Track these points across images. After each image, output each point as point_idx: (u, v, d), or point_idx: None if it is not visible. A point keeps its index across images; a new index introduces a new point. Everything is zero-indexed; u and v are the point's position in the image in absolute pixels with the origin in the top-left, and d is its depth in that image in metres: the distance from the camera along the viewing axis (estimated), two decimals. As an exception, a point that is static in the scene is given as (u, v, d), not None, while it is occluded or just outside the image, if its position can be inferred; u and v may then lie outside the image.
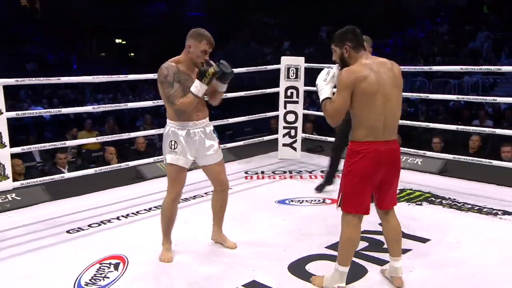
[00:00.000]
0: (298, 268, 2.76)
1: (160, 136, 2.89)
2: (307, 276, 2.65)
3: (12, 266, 2.88)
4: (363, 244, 3.02)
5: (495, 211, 3.70)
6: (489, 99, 5.67)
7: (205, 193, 4.13)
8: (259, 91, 5.47)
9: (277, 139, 5.39)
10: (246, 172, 4.83)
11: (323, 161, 4.85)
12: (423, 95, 5.67)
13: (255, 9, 19.94)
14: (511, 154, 5.19)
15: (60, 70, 17.03)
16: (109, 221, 3.57)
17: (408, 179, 4.35)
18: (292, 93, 5.26)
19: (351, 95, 2.32)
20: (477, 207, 3.78)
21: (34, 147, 4.22)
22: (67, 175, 4.30)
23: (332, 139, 4.67)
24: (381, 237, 3.08)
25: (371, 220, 3.18)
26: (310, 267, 2.78)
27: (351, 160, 2.38)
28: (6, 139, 3.76)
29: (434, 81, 11.97)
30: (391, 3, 17.01)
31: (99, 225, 3.50)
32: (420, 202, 3.91)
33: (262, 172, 4.85)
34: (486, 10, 14.31)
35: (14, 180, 4.00)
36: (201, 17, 21.51)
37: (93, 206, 3.86)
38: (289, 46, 16.58)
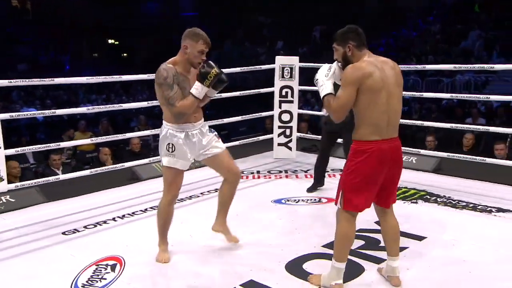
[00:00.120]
0: (295, 267, 2.77)
1: (155, 136, 2.90)
2: (304, 275, 2.66)
3: (8, 268, 2.86)
4: (359, 243, 3.04)
5: (489, 208, 3.73)
6: (482, 97, 5.72)
7: (201, 193, 4.13)
8: (254, 90, 5.48)
9: (272, 138, 5.40)
10: (241, 172, 4.80)
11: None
12: (417, 94, 5.69)
13: (248, 9, 19.93)
14: (504, 152, 5.24)
15: (52, 71, 16.92)
16: (105, 222, 3.56)
17: (402, 177, 4.25)
18: (287, 92, 5.27)
19: (356, 92, 2.32)
20: (472, 205, 3.81)
21: (29, 149, 4.19)
22: (62, 176, 4.28)
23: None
24: (377, 235, 3.11)
25: (367, 219, 3.20)
26: (308, 266, 2.78)
27: (356, 159, 2.38)
28: (0, 141, 3.72)
29: (426, 80, 12.05)
30: (385, 3, 17.08)
31: (95, 226, 3.48)
32: (415, 200, 3.94)
33: (258, 172, 4.86)
34: (477, 9, 14.42)
35: (10, 182, 3.98)
36: (195, 17, 21.46)
37: (89, 207, 3.84)
38: (282, 46, 16.59)
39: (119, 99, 14.82)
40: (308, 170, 4.87)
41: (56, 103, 13.50)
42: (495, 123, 7.93)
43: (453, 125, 4.94)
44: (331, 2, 16.38)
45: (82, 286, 2.60)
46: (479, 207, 3.77)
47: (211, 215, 3.15)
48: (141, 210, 3.78)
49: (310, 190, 4.19)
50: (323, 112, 4.48)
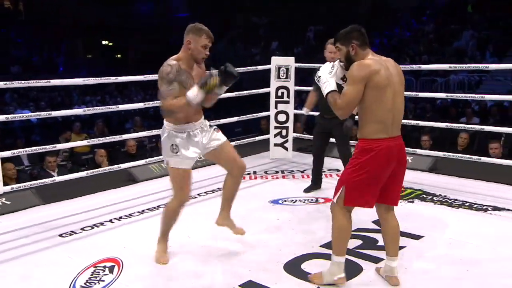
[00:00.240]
0: (294, 268, 2.77)
1: (151, 138, 2.89)
2: (303, 275, 2.67)
3: (4, 271, 2.84)
4: (357, 242, 3.05)
5: (485, 207, 3.76)
6: (477, 96, 5.76)
7: (198, 195, 4.13)
8: (251, 91, 5.48)
9: (268, 139, 5.41)
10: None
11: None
12: (413, 94, 5.72)
13: (242, 9, 19.94)
14: (498, 151, 5.28)
15: (46, 72, 16.84)
16: (102, 224, 3.54)
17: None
18: (283, 93, 5.28)
19: (363, 89, 2.32)
20: (468, 203, 3.84)
21: (25, 151, 4.17)
22: (58, 178, 4.26)
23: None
24: (374, 235, 3.13)
25: (364, 219, 3.22)
26: (306, 266, 2.79)
27: (362, 157, 2.38)
28: (-5, 143, 3.70)
29: (421, 80, 12.12)
30: (378, 3, 17.15)
31: (92, 228, 3.47)
32: (411, 200, 3.96)
33: (255, 173, 4.86)
34: (470, 9, 14.52)
35: (5, 184, 3.95)
36: (188, 17, 21.44)
37: (86, 209, 3.82)
38: (277, 46, 16.62)
39: (114, 101, 14.77)
40: (304, 170, 4.88)
41: (50, 105, 13.45)
42: (488, 122, 8.00)
43: (449, 125, 4.97)
44: (326, 2, 16.43)
45: (80, 288, 2.59)
46: (475, 205, 3.79)
47: (210, 215, 3.16)
48: (138, 212, 3.78)
49: (307, 190, 4.20)
50: (304, 111, 4.44)
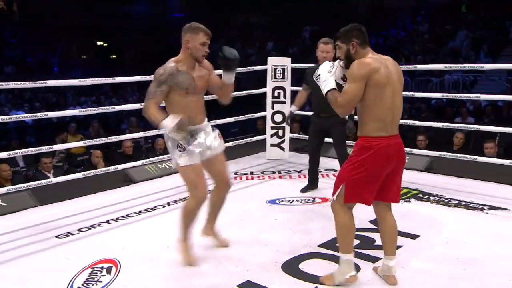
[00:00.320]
0: (291, 267, 2.78)
1: (147, 138, 2.88)
2: (301, 275, 2.67)
3: (1, 273, 2.82)
4: (355, 242, 3.02)
5: (481, 206, 3.78)
6: (473, 96, 5.79)
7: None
8: (248, 91, 5.48)
9: (265, 139, 5.41)
10: (235, 173, 4.82)
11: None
12: (409, 94, 5.74)
13: (238, 9, 19.95)
14: (494, 150, 5.32)
15: (40, 72, 16.77)
16: (99, 225, 3.53)
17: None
18: (279, 93, 5.28)
19: (364, 87, 2.33)
20: (464, 203, 3.86)
21: (21, 152, 4.13)
22: (55, 179, 4.24)
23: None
24: (371, 235, 3.14)
25: (362, 218, 3.23)
26: (304, 266, 2.79)
27: (362, 154, 2.38)
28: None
29: (416, 80, 12.17)
30: (373, 3, 17.21)
31: (89, 229, 3.46)
32: (408, 199, 3.97)
33: (251, 173, 4.86)
34: (464, 10, 14.60)
35: (1, 185, 3.93)
36: (184, 18, 21.42)
37: (82, 210, 3.81)
38: (272, 47, 16.63)
39: (109, 101, 14.73)
40: (301, 170, 4.89)
41: (45, 106, 13.38)
42: (483, 122, 8.04)
43: (445, 124, 4.99)
44: (321, 2, 16.47)
45: (78, 290, 2.59)
46: (471, 205, 3.81)
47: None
48: (135, 212, 3.77)
49: (304, 190, 4.20)
50: (292, 108, 4.39)
